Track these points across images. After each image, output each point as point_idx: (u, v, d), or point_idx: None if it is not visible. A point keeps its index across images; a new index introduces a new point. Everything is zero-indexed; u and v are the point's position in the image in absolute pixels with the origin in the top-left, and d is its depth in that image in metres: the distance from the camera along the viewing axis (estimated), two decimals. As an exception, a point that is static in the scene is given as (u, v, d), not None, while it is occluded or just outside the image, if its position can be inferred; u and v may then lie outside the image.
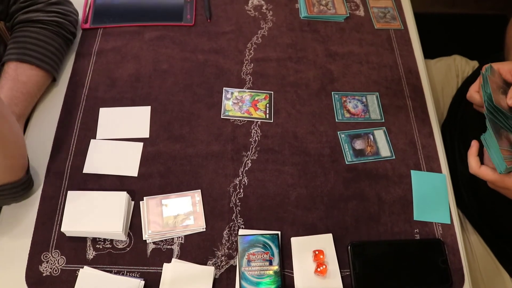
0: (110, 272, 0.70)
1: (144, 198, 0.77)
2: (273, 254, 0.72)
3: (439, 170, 0.83)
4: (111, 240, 0.73)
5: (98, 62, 0.92)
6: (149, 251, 0.73)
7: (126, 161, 0.80)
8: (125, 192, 0.74)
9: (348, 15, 1.02)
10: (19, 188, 0.72)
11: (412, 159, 0.84)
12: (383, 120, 0.88)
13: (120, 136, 0.83)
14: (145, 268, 0.71)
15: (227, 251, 0.73)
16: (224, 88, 0.90)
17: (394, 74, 0.95)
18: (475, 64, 1.12)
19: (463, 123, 0.96)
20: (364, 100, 0.91)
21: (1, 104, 0.63)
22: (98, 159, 0.80)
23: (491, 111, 0.67)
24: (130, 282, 0.69)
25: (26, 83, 0.81)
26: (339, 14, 1.02)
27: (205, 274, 0.70)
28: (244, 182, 0.80)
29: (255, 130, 0.85)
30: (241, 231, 0.75)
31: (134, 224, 0.75)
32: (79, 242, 0.73)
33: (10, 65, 0.81)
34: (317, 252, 0.72)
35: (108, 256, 0.72)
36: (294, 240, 0.75)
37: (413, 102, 0.91)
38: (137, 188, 0.78)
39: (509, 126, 0.67)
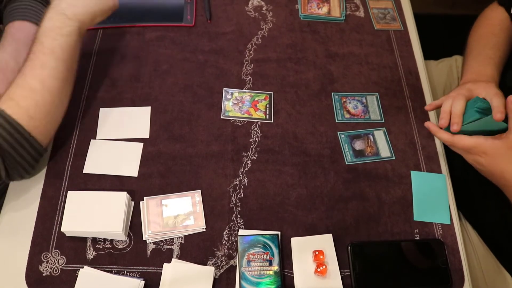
0: (110, 272, 0.70)
1: (144, 198, 0.77)
2: (273, 254, 0.72)
3: (439, 171, 0.83)
4: (111, 240, 0.73)
5: (98, 62, 0.92)
6: (149, 251, 0.73)
7: (126, 161, 0.80)
8: (125, 192, 0.74)
9: (344, 17, 1.03)
10: (35, 154, 0.71)
11: (412, 159, 0.84)
12: (383, 121, 0.88)
13: (120, 136, 0.83)
14: (145, 268, 0.71)
15: (227, 251, 0.73)
16: (224, 88, 0.90)
17: (394, 74, 0.95)
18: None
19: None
20: (364, 100, 0.91)
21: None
22: (98, 159, 0.80)
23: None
24: (130, 282, 0.69)
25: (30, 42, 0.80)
26: (333, 16, 1.02)
27: (205, 274, 0.70)
28: (244, 183, 0.80)
29: (255, 130, 0.85)
30: (241, 231, 0.75)
31: (134, 224, 0.75)
32: (79, 242, 0.72)
33: (11, 25, 0.80)
34: (317, 253, 0.72)
35: (108, 256, 0.72)
36: (294, 240, 0.75)
37: (413, 103, 0.91)
38: (137, 188, 0.78)
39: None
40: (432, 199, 0.80)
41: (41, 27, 0.73)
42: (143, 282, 0.69)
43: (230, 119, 0.86)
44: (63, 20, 0.73)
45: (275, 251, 0.72)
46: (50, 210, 0.75)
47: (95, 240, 0.73)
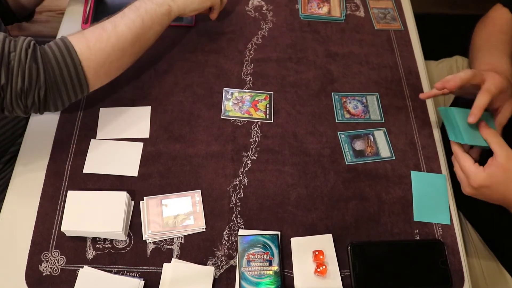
0: (110, 272, 0.70)
1: (144, 198, 0.77)
2: (273, 254, 0.72)
3: (439, 171, 0.83)
4: (111, 240, 0.73)
5: (98, 62, 0.92)
6: (149, 251, 0.73)
7: (126, 161, 0.80)
8: (125, 192, 0.74)
9: (344, 17, 1.03)
10: (77, 87, 0.71)
11: (412, 159, 0.84)
12: (383, 121, 0.88)
13: (120, 136, 0.83)
14: (145, 268, 0.71)
15: (227, 251, 0.73)
16: (224, 88, 0.90)
17: (394, 74, 0.95)
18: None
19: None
20: (364, 100, 0.91)
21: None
22: (98, 159, 0.80)
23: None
24: (130, 282, 0.69)
25: None
26: (334, 15, 1.02)
27: (205, 274, 0.70)
28: (244, 182, 0.80)
29: (255, 130, 0.85)
30: (241, 231, 0.75)
31: (134, 224, 0.75)
32: (79, 242, 0.73)
33: None
34: (317, 253, 0.72)
35: (108, 256, 0.72)
36: (294, 241, 0.75)
37: (413, 103, 0.91)
38: (137, 188, 0.78)
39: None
40: (432, 199, 0.80)
41: None
42: (143, 282, 0.69)
43: (230, 119, 0.86)
44: None
45: (275, 251, 0.72)
46: (50, 210, 0.75)
47: (95, 240, 0.73)
